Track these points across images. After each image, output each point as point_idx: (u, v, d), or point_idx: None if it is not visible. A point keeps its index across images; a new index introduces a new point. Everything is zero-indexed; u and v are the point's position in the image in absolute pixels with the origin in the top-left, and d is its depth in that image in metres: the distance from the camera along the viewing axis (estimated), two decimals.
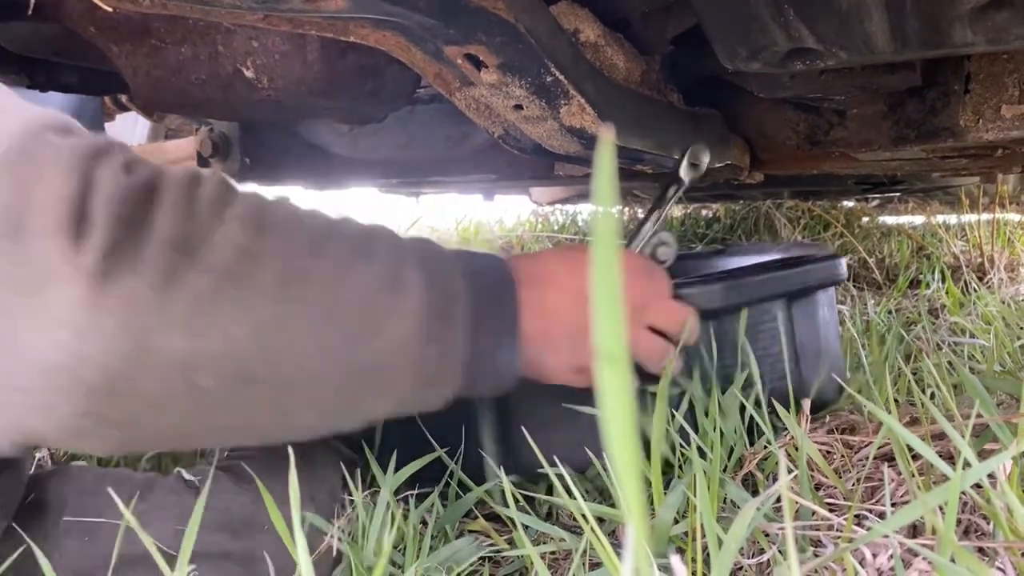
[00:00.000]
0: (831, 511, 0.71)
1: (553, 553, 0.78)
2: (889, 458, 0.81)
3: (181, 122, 1.52)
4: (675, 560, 0.33)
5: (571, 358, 0.68)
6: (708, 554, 0.61)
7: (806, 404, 0.81)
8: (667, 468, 0.87)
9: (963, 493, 0.66)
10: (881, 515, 0.68)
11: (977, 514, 0.67)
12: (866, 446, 0.82)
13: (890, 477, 0.73)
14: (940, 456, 0.65)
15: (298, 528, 0.50)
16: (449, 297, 0.60)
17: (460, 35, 0.60)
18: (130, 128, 1.68)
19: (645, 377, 0.75)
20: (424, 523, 0.82)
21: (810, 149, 1.01)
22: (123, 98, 1.27)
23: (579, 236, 2.50)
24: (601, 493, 0.88)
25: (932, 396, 1.01)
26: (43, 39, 0.95)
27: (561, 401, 0.79)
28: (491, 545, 0.80)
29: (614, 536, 0.77)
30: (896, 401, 0.96)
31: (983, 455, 0.71)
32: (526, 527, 0.77)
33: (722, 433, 0.85)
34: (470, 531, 0.83)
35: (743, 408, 0.88)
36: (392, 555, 0.76)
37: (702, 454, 0.80)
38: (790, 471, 0.75)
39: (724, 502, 0.77)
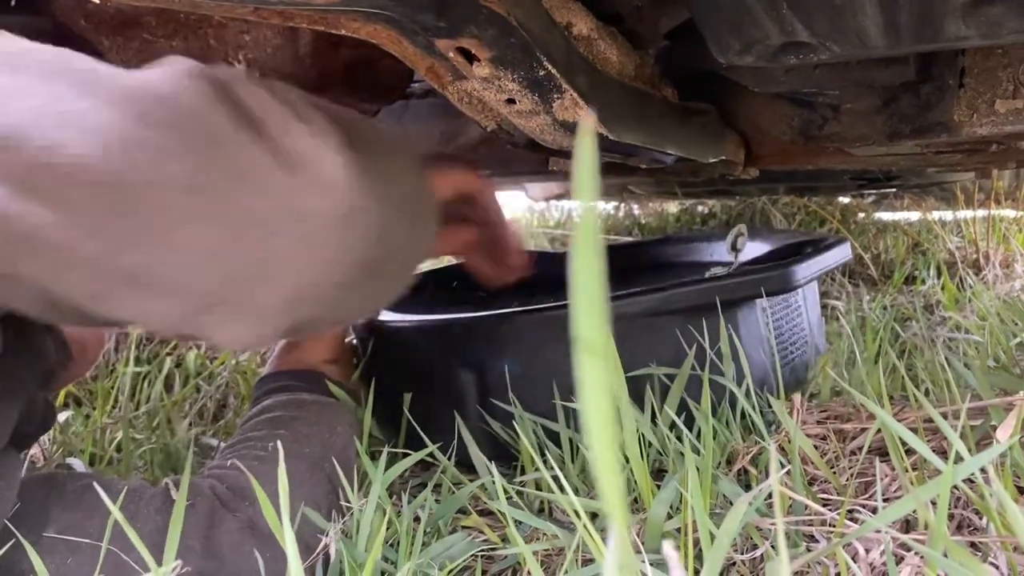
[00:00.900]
0: (824, 506, 0.71)
1: (547, 549, 0.78)
2: (882, 453, 0.81)
3: None
4: (667, 547, 0.33)
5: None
6: (701, 550, 0.61)
7: (797, 398, 0.81)
8: (662, 473, 0.87)
9: (955, 488, 0.66)
10: (874, 510, 0.68)
11: (970, 509, 0.67)
12: (860, 434, 0.82)
13: (883, 473, 0.73)
14: (934, 452, 0.65)
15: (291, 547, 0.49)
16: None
17: (452, 28, 0.59)
18: None
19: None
20: (417, 519, 0.82)
21: (805, 144, 1.01)
22: None
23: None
24: (595, 488, 0.88)
25: (927, 392, 1.01)
26: (34, 32, 0.94)
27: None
28: (484, 541, 0.80)
29: (607, 533, 0.77)
30: (891, 397, 0.96)
31: (977, 448, 0.71)
32: (519, 523, 0.77)
33: (715, 430, 0.85)
34: (463, 527, 0.83)
35: (735, 401, 0.89)
36: (385, 551, 0.76)
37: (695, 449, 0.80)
38: (783, 466, 0.75)
39: (717, 498, 0.77)
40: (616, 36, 0.75)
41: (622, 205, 2.78)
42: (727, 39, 0.67)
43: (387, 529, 0.80)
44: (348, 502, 0.79)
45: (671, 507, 0.72)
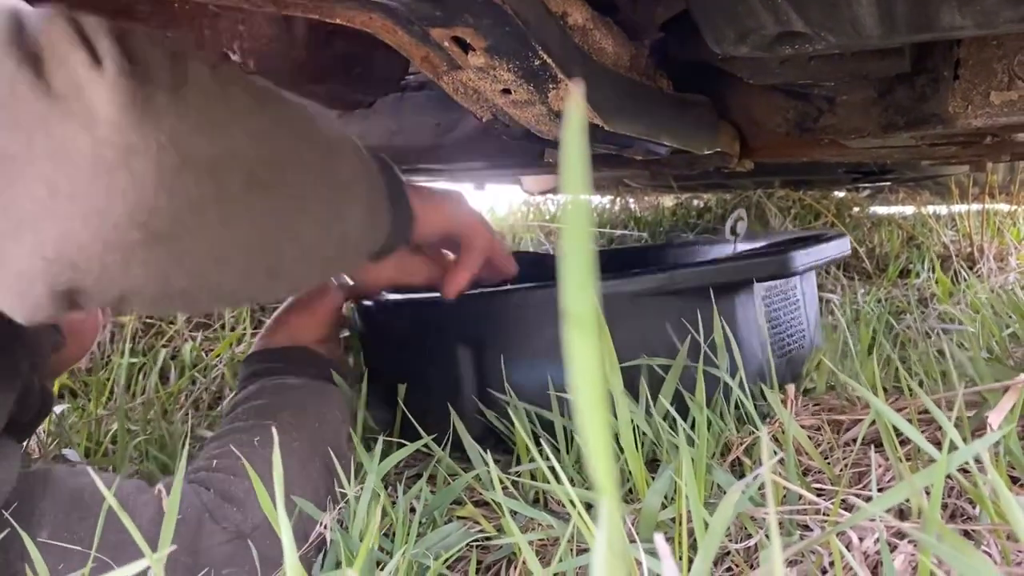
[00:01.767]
0: (818, 495, 0.71)
1: (542, 539, 0.78)
2: (877, 444, 0.81)
3: None
4: (659, 539, 0.33)
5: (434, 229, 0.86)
6: (695, 539, 0.61)
7: (790, 389, 0.81)
8: (655, 463, 0.87)
9: (949, 477, 0.66)
10: (868, 500, 0.68)
11: (963, 499, 0.68)
12: (855, 425, 0.82)
13: (877, 462, 0.74)
14: (928, 442, 0.65)
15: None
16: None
17: (447, 17, 0.59)
18: None
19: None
20: (412, 509, 0.82)
21: (800, 136, 1.01)
22: None
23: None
24: (590, 479, 0.88)
25: (921, 383, 1.01)
26: None
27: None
28: (480, 531, 0.80)
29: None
30: (885, 389, 0.96)
31: (972, 438, 0.72)
32: (514, 513, 0.77)
33: (710, 421, 0.85)
34: (458, 517, 0.83)
35: (729, 391, 0.89)
36: (380, 541, 0.76)
37: (689, 440, 0.80)
38: (776, 455, 0.75)
39: (712, 488, 0.77)
40: (612, 26, 0.75)
41: (617, 199, 2.78)
42: (723, 29, 0.67)
43: (382, 519, 0.80)
44: (342, 488, 0.79)
45: (665, 497, 0.72)
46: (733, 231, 1.06)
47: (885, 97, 0.93)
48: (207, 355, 1.52)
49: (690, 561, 0.61)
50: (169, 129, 0.49)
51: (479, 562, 0.76)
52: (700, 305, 0.92)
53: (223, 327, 1.67)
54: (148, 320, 1.70)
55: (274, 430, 0.61)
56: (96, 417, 1.22)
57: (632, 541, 0.66)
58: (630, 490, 0.78)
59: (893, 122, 0.92)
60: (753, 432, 0.83)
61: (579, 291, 0.15)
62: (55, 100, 0.46)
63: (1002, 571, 0.51)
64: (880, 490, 0.69)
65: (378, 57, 0.89)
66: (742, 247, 1.22)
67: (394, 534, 0.75)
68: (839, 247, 1.13)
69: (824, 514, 0.66)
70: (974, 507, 0.66)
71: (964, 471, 0.69)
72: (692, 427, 0.82)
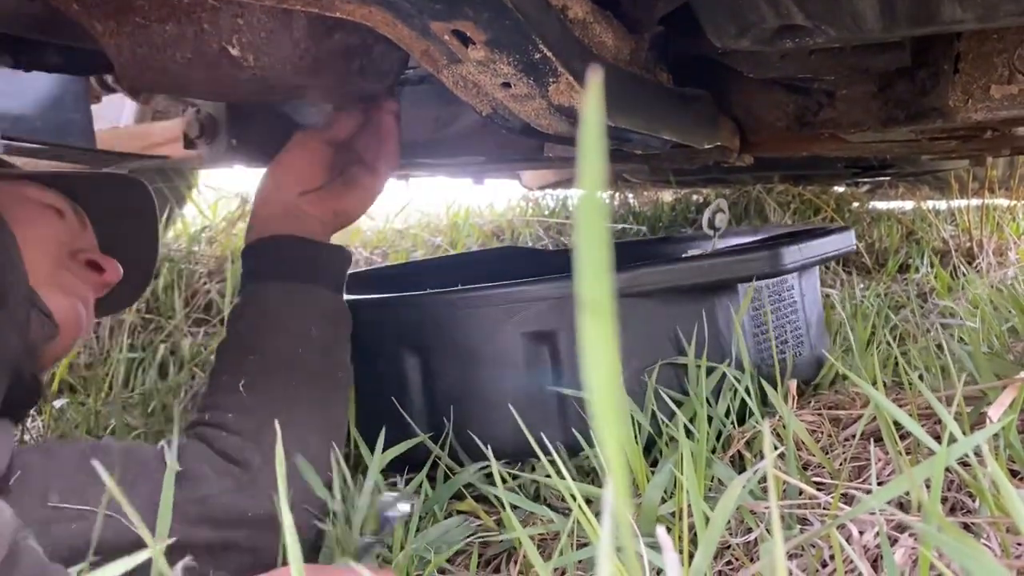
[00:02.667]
0: (819, 490, 0.71)
1: (542, 534, 0.78)
2: (876, 438, 0.81)
3: (168, 104, 1.51)
4: (661, 532, 0.33)
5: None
6: (696, 533, 0.61)
7: (792, 384, 0.81)
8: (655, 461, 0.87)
9: (948, 471, 0.66)
10: (868, 493, 0.68)
11: (963, 492, 0.68)
12: (854, 422, 0.82)
13: (877, 456, 0.74)
14: (928, 436, 0.65)
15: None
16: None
17: (446, 10, 0.59)
18: (117, 110, 1.67)
19: None
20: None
21: (800, 130, 1.01)
22: (109, 79, 1.25)
23: (570, 220, 2.49)
24: (588, 475, 0.88)
25: (921, 377, 1.01)
26: (27, 17, 0.94)
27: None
28: (480, 525, 0.80)
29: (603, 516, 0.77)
30: (885, 384, 0.96)
31: (972, 432, 0.72)
32: (515, 508, 0.77)
33: (711, 415, 0.85)
34: (459, 512, 0.83)
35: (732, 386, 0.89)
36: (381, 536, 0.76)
37: (689, 434, 0.80)
38: (777, 449, 0.75)
39: (712, 482, 0.77)
40: (612, 20, 0.75)
41: (617, 194, 2.78)
42: (723, 23, 0.67)
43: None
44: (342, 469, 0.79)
45: (666, 491, 0.72)
46: (712, 225, 0.98)
47: (885, 91, 0.92)
48: (205, 350, 1.52)
49: (691, 555, 0.61)
50: None
51: (480, 556, 0.76)
52: (674, 309, 0.89)
53: (222, 322, 1.67)
54: (147, 315, 1.69)
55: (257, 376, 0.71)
56: (95, 411, 1.22)
57: (633, 535, 0.66)
58: (630, 484, 0.78)
59: (893, 116, 0.92)
60: (754, 427, 0.84)
61: (594, 278, 0.15)
62: None
63: (1002, 564, 0.51)
64: (880, 484, 0.69)
65: (378, 50, 0.89)
66: (744, 241, 1.21)
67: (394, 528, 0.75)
68: (838, 242, 1.09)
69: (824, 508, 0.66)
70: (974, 500, 0.66)
71: (964, 464, 0.69)
72: (691, 421, 0.82)
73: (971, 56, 0.83)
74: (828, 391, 1.01)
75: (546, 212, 2.65)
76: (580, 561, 0.69)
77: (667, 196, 2.78)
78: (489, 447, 0.79)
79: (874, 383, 0.88)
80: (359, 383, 0.96)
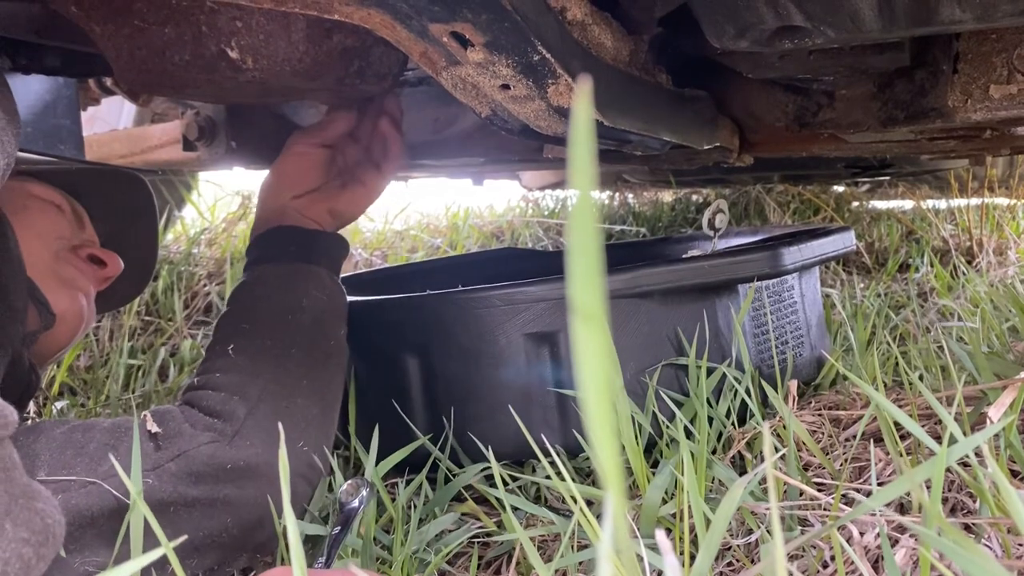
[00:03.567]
0: (819, 490, 0.71)
1: (542, 535, 0.78)
2: (877, 438, 0.81)
3: (167, 106, 1.51)
4: (660, 535, 0.33)
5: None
6: (696, 534, 0.61)
7: (792, 385, 0.81)
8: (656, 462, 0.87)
9: (949, 471, 0.66)
10: (868, 495, 0.68)
11: (964, 492, 0.68)
12: (854, 423, 0.82)
13: (877, 457, 0.74)
14: (928, 437, 0.65)
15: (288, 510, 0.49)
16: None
17: (445, 12, 0.59)
18: (116, 112, 1.67)
19: None
20: (413, 506, 0.82)
21: (799, 131, 1.01)
22: (108, 81, 1.25)
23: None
24: (589, 476, 0.88)
25: (921, 377, 1.01)
26: (25, 19, 0.94)
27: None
28: (480, 527, 0.80)
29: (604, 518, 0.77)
30: (885, 384, 0.96)
31: (972, 432, 0.72)
32: (515, 509, 0.77)
33: (711, 416, 0.85)
34: (460, 513, 0.83)
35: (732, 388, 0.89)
36: (380, 536, 0.76)
37: (690, 435, 0.80)
38: (778, 451, 0.75)
39: (712, 483, 0.77)
40: (610, 21, 0.75)
41: (616, 195, 2.78)
42: (722, 23, 0.67)
43: (382, 514, 0.80)
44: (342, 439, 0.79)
45: (666, 493, 0.72)
46: (712, 226, 0.99)
47: (884, 91, 0.92)
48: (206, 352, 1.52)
49: (692, 556, 0.61)
50: None
51: (480, 558, 0.76)
52: (674, 310, 0.89)
53: None
54: (146, 318, 1.69)
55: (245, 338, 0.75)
56: (95, 414, 1.22)
57: (633, 537, 0.66)
58: (631, 485, 0.78)
59: (892, 116, 0.92)
60: (755, 428, 0.83)
61: (586, 283, 0.15)
62: None
63: (1003, 564, 0.51)
64: (880, 485, 0.69)
65: (377, 52, 0.89)
66: (744, 242, 1.21)
67: (394, 530, 0.75)
68: (838, 242, 1.09)
69: (825, 509, 0.66)
70: (974, 501, 0.66)
71: (965, 465, 0.69)
72: (692, 422, 0.82)
73: (970, 56, 0.83)
74: (828, 391, 1.01)
75: (546, 213, 2.65)
76: (581, 563, 0.69)
77: (667, 196, 2.78)
78: (489, 448, 0.79)
79: (874, 383, 0.88)
80: (359, 384, 0.96)
